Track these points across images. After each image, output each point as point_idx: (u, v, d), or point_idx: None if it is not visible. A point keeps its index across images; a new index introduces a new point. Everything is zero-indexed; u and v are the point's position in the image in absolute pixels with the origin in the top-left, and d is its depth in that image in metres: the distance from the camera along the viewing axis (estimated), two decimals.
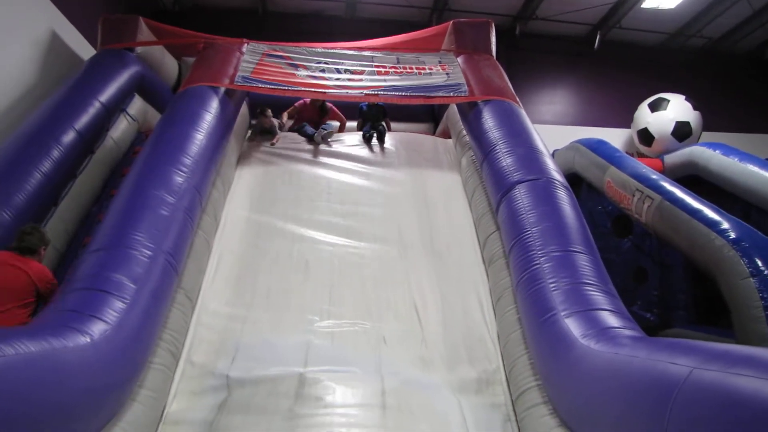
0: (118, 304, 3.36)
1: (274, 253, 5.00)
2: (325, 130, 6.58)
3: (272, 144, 6.45)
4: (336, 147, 6.53)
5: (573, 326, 3.35)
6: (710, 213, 5.72)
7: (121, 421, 3.21)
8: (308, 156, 6.33)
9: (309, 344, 4.12)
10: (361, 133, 6.89)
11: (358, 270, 4.87)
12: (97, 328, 3.09)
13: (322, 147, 6.47)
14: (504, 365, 4.15)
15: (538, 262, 4.00)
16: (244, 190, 5.72)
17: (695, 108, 10.04)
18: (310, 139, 6.60)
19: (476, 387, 4.01)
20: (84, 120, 5.70)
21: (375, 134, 6.77)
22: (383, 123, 7.02)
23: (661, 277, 7.51)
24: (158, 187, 4.31)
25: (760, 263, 5.07)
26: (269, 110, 6.72)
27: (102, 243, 3.85)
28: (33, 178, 4.91)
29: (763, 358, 1.99)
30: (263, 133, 6.68)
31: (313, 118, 7.00)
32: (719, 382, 1.99)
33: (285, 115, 7.09)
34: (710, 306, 6.35)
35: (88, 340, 2.95)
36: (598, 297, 3.66)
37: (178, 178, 4.47)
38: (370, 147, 6.62)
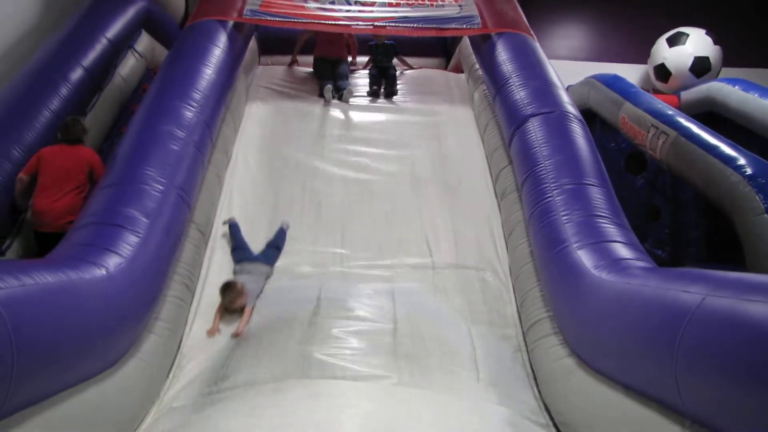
0: (132, 238, 3.39)
1: (287, 190, 5.01)
2: (343, 88, 6.17)
3: (235, 336, 3.83)
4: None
5: (585, 258, 3.35)
6: (727, 149, 5.62)
7: (139, 352, 3.29)
8: (319, 91, 6.26)
9: (322, 279, 4.17)
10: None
11: (371, 206, 4.89)
12: (112, 261, 3.12)
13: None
14: (515, 298, 4.18)
15: (550, 194, 3.97)
16: (255, 126, 5.68)
17: (716, 42, 9.74)
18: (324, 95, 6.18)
19: (487, 318, 4.05)
20: (91, 57, 5.62)
21: (383, 83, 6.39)
22: (393, 67, 6.60)
23: (673, 214, 7.47)
24: (168, 123, 4.28)
25: None
26: (239, 284, 4.02)
27: (114, 179, 3.86)
28: (42, 116, 4.88)
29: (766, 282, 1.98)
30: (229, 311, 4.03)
31: (330, 44, 6.64)
32: (731, 309, 1.99)
33: (296, 52, 6.91)
34: (722, 243, 6.32)
35: (104, 272, 2.99)
36: (610, 229, 3.65)
37: (188, 113, 4.44)
38: (380, 85, 6.44)
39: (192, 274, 4.14)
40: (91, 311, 2.72)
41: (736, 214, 5.32)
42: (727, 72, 9.52)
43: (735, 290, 2.05)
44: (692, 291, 2.23)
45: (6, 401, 2.04)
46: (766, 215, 4.98)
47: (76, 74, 5.37)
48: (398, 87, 6.50)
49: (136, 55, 6.51)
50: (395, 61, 6.79)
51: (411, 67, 7.13)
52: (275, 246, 4.49)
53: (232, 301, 3.94)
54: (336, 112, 5.97)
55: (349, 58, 6.94)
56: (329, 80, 6.31)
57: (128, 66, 6.35)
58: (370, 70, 6.55)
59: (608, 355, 2.82)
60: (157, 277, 3.53)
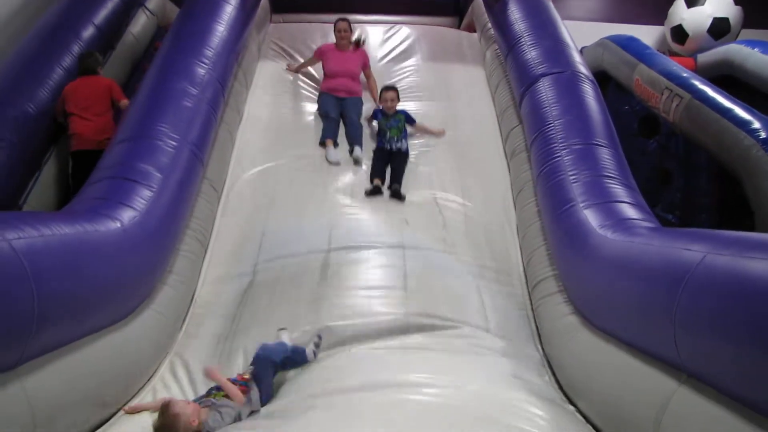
0: (146, 193, 3.45)
1: (294, 146, 5.06)
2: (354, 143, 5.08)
3: None
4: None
5: (591, 217, 3.38)
6: (741, 112, 5.57)
7: (153, 303, 3.40)
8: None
9: (332, 228, 4.25)
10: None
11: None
12: (127, 215, 3.19)
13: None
14: (522, 256, 4.24)
15: (559, 154, 3.99)
16: (267, 84, 5.70)
17: (736, 3, 9.53)
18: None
19: (495, 276, 4.12)
20: (102, 14, 5.65)
21: (389, 173, 4.84)
22: (406, 149, 4.98)
23: (685, 179, 7.45)
24: (181, 80, 4.30)
25: None
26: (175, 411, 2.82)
27: (127, 134, 3.91)
28: (55, 73, 4.95)
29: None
30: None
31: (343, 66, 5.50)
32: (732, 266, 2.02)
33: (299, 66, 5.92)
34: (733, 210, 6.31)
35: (119, 225, 3.06)
36: (617, 189, 3.67)
37: (201, 70, 4.45)
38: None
39: (205, 229, 4.23)
40: (106, 262, 2.80)
41: (747, 178, 5.31)
42: (748, 34, 9.33)
43: (736, 248, 2.08)
44: (694, 249, 2.26)
45: (27, 347, 2.13)
46: None
47: (88, 32, 5.41)
48: (409, 41, 6.39)
49: (148, 13, 6.49)
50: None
51: (436, 133, 5.27)
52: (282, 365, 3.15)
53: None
54: None
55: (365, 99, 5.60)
56: (333, 129, 5.19)
57: (139, 24, 6.35)
58: (374, 152, 4.99)
59: (611, 313, 2.87)
60: (170, 231, 3.61)
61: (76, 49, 5.18)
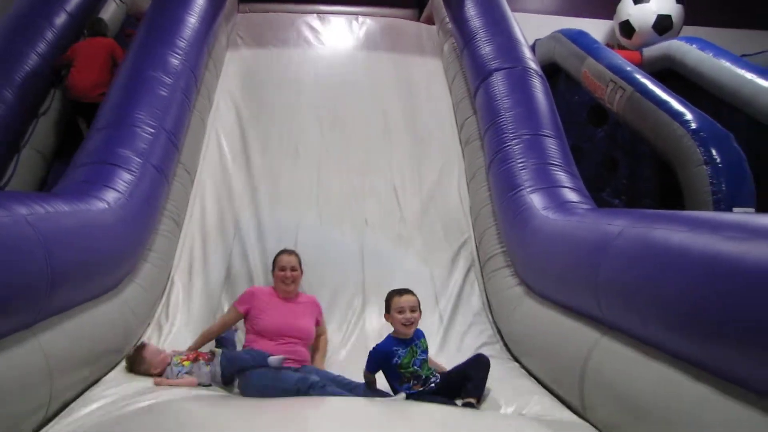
0: (128, 176, 3.73)
1: (265, 136, 5.29)
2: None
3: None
4: (323, 31, 6.62)
5: (536, 200, 3.80)
6: (676, 105, 6.09)
7: (136, 278, 3.69)
8: (296, 39, 6.44)
9: (300, 222, 4.57)
10: None
11: (344, 155, 5.20)
12: (111, 196, 3.47)
13: (310, 33, 6.55)
14: (474, 235, 4.64)
15: (509, 143, 4.38)
16: (235, 73, 5.91)
17: (678, 1, 10.10)
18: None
19: (449, 256, 4.52)
20: (74, 2, 5.80)
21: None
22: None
23: (630, 166, 7.99)
24: (156, 69, 4.55)
25: (714, 152, 5.53)
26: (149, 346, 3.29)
27: (107, 121, 4.15)
28: (30, 59, 5.12)
29: (676, 215, 2.43)
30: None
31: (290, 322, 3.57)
32: (643, 235, 2.44)
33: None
34: (674, 195, 6.85)
35: (106, 205, 3.33)
36: (561, 176, 4.09)
37: (174, 60, 4.70)
38: (358, 35, 6.50)
39: (180, 210, 4.50)
40: (99, 237, 3.09)
41: (679, 165, 5.84)
42: (688, 30, 9.92)
43: (647, 221, 2.50)
44: (615, 224, 2.68)
45: (41, 308, 2.43)
46: (704, 167, 5.50)
47: (61, 19, 5.59)
48: (371, 33, 6.61)
49: (118, 1, 6.65)
50: None
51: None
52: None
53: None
54: (312, 60, 6.19)
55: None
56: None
57: (109, 11, 6.51)
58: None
59: (550, 281, 3.29)
60: (150, 211, 3.89)
61: (49, 35, 5.35)
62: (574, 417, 2.69)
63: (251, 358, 3.16)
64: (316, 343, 3.68)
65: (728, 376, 1.89)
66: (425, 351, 3.06)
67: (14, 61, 4.99)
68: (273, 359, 3.11)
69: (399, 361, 2.93)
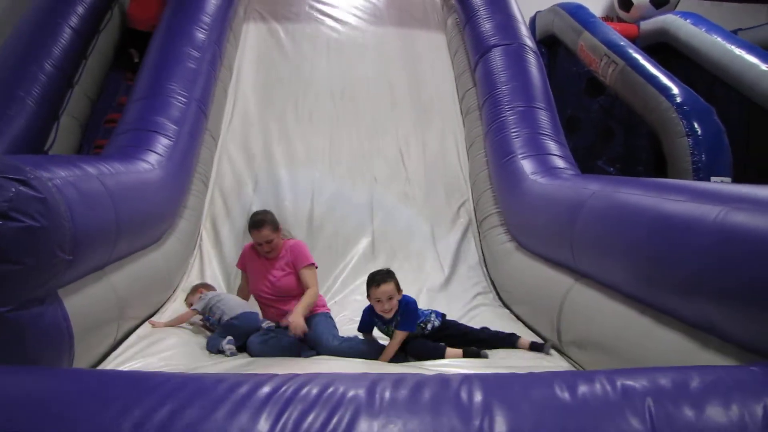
0: (165, 141, 4.22)
1: (281, 104, 5.76)
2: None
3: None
4: (332, 6, 6.98)
5: (527, 166, 4.29)
6: (663, 79, 6.52)
7: (175, 232, 4.22)
8: (306, 13, 6.81)
9: (314, 178, 5.08)
10: None
11: (355, 121, 5.69)
12: (153, 158, 3.96)
13: (320, 7, 6.91)
14: (472, 197, 5.15)
15: (504, 114, 4.86)
16: (252, 45, 6.34)
17: None
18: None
19: (450, 217, 5.03)
20: None
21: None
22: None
23: (625, 136, 8.43)
24: (185, 44, 5.00)
25: (695, 125, 5.98)
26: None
27: (142, 93, 4.63)
28: (65, 32, 5.51)
29: (638, 180, 2.93)
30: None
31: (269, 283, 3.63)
32: (610, 197, 2.94)
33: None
34: (662, 164, 7.30)
35: (150, 166, 3.83)
36: (550, 144, 4.58)
37: (200, 35, 5.15)
38: (366, 10, 6.85)
39: (207, 171, 5.00)
40: (150, 193, 3.60)
41: (664, 136, 6.29)
42: (686, 4, 10.21)
43: (615, 185, 3.00)
44: (589, 187, 3.18)
45: (112, 252, 2.95)
46: (686, 138, 5.96)
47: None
48: (377, 5, 7.01)
49: None
50: None
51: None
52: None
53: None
54: (324, 33, 6.60)
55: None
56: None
57: None
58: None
59: (536, 236, 3.82)
60: (186, 172, 4.41)
61: (80, 9, 5.74)
62: (553, 351, 3.23)
63: (244, 325, 3.39)
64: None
65: (664, 309, 2.39)
66: (427, 327, 3.25)
67: (51, 35, 5.39)
68: (264, 325, 3.43)
69: (381, 329, 3.30)
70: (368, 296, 3.18)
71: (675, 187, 2.57)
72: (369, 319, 3.30)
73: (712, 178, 5.83)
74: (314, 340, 3.32)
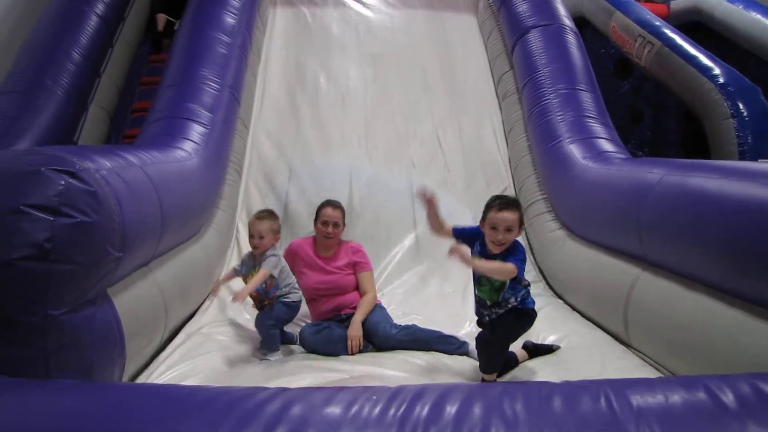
0: (200, 129, 4.07)
1: (312, 88, 5.60)
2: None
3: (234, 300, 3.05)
4: None
5: (575, 150, 4.11)
6: (704, 59, 6.29)
7: (213, 224, 4.09)
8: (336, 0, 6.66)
9: (352, 164, 4.91)
10: None
11: (388, 105, 5.51)
12: (190, 146, 3.81)
13: None
14: (514, 184, 4.97)
15: (548, 97, 4.67)
16: (280, 30, 6.17)
17: None
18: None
19: None
20: None
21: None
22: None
23: (655, 118, 8.22)
24: (214, 29, 4.84)
25: (741, 106, 5.78)
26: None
27: (174, 79, 4.48)
28: (92, 20, 5.36)
29: (710, 164, 2.76)
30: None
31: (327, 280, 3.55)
32: (680, 182, 2.76)
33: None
34: (696, 146, 7.09)
35: (187, 155, 3.69)
36: (597, 128, 4.39)
37: (230, 20, 4.99)
38: None
39: (240, 161, 4.86)
40: (191, 182, 3.48)
41: (706, 118, 6.09)
42: None
43: (684, 170, 2.83)
44: (655, 171, 3.00)
45: (157, 247, 2.81)
46: (731, 120, 5.75)
47: None
48: None
49: None
50: None
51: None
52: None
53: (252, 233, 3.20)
54: (353, 18, 6.41)
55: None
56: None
57: None
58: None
59: (592, 224, 3.63)
60: (223, 161, 4.29)
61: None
62: (621, 346, 3.06)
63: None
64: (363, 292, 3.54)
65: (761, 301, 2.21)
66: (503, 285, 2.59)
67: (78, 23, 5.25)
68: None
69: (473, 254, 2.67)
70: (482, 219, 2.63)
71: (754, 172, 2.40)
72: (472, 236, 2.72)
73: (760, 160, 5.62)
74: (370, 330, 3.26)
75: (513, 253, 2.57)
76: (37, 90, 4.66)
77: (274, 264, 3.16)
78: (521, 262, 2.55)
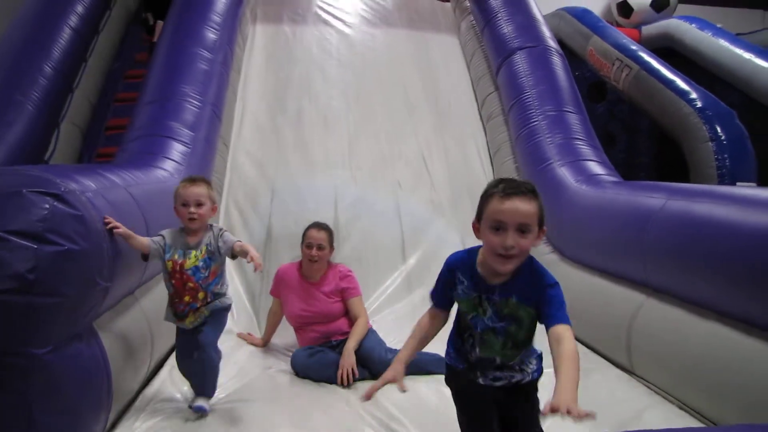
0: (181, 147, 3.91)
1: (293, 108, 5.46)
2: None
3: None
4: (339, 8, 6.72)
5: (567, 173, 4.06)
6: (681, 83, 6.38)
7: None
8: (315, 15, 6.54)
9: (337, 185, 4.77)
10: None
11: (372, 125, 5.41)
12: (170, 166, 3.66)
13: (326, 8, 6.64)
14: None
15: (536, 119, 4.63)
16: (260, 47, 6.04)
17: None
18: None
19: None
20: None
21: None
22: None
23: (628, 141, 8.30)
24: (196, 45, 4.68)
25: (719, 129, 5.85)
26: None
27: (154, 96, 4.30)
28: (65, 33, 5.11)
29: (715, 190, 2.71)
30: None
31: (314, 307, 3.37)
32: (685, 208, 2.71)
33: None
34: (668, 169, 7.16)
35: (167, 174, 3.52)
36: (586, 150, 4.35)
37: (212, 35, 4.84)
38: (374, 12, 6.64)
39: (221, 180, 4.68)
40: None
41: (685, 141, 6.14)
42: (683, 9, 10.17)
43: (687, 195, 2.78)
44: (656, 196, 2.95)
45: (143, 276, 2.64)
46: (709, 143, 5.81)
47: None
48: (387, 7, 6.75)
49: None
50: None
51: None
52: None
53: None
54: (332, 37, 6.32)
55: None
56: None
57: None
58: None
59: (588, 248, 3.57)
60: None
61: (79, 8, 5.38)
62: (624, 373, 2.98)
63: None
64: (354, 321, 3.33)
65: None
66: (512, 321, 1.76)
67: (50, 36, 5.02)
68: None
69: (460, 296, 1.81)
70: (477, 219, 1.74)
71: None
72: (451, 278, 1.81)
73: (738, 183, 5.69)
74: (365, 357, 3.11)
75: (542, 283, 1.71)
76: (7, 105, 4.42)
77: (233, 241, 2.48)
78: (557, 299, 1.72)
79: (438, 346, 2.03)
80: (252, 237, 4.43)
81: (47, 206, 1.85)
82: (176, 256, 2.42)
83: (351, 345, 3.11)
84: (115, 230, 2.17)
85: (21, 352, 1.72)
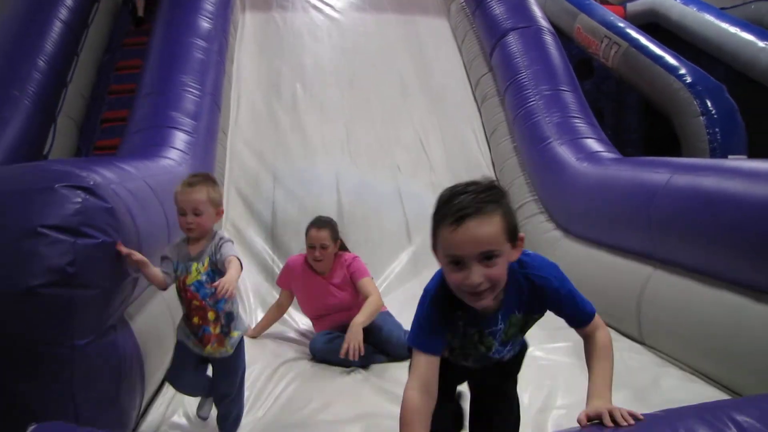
0: (185, 136, 3.92)
1: (288, 95, 5.46)
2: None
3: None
4: None
5: (567, 151, 4.12)
6: (670, 59, 6.45)
7: None
8: (303, 3, 6.52)
9: (338, 169, 4.81)
10: None
11: (368, 110, 5.43)
12: (176, 155, 3.66)
13: None
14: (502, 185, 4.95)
15: (533, 99, 4.68)
16: (251, 35, 6.03)
17: None
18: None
19: None
20: None
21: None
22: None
23: (615, 117, 8.38)
24: (190, 35, 4.67)
25: (709, 104, 5.93)
26: None
27: (153, 87, 4.30)
28: (56, 27, 5.10)
29: (721, 165, 2.79)
30: None
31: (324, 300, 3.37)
32: (691, 183, 2.78)
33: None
34: (656, 143, 7.25)
35: (174, 163, 3.53)
36: (583, 128, 4.42)
37: (206, 24, 4.83)
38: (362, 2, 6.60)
39: (222, 169, 4.69)
40: None
41: (676, 116, 6.23)
42: None
43: (692, 170, 2.86)
44: (660, 171, 3.02)
45: None
46: (701, 117, 5.90)
47: None
48: None
49: None
50: None
51: None
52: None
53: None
54: (324, 23, 6.32)
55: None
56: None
57: None
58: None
59: (593, 225, 3.64)
60: (208, 168, 4.07)
61: (69, 1, 5.34)
62: (635, 344, 3.06)
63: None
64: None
65: None
66: (517, 334, 1.67)
67: (41, 29, 4.98)
68: None
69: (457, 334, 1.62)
70: (434, 249, 1.48)
71: None
72: (439, 318, 1.55)
73: (729, 156, 5.79)
74: (383, 341, 3.10)
75: (545, 293, 1.58)
76: (3, 101, 4.39)
77: (236, 252, 2.14)
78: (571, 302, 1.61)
79: None
80: (260, 222, 4.47)
81: (80, 200, 1.87)
82: (178, 272, 2.13)
83: (359, 320, 2.98)
84: (131, 257, 1.99)
85: (65, 343, 1.75)
